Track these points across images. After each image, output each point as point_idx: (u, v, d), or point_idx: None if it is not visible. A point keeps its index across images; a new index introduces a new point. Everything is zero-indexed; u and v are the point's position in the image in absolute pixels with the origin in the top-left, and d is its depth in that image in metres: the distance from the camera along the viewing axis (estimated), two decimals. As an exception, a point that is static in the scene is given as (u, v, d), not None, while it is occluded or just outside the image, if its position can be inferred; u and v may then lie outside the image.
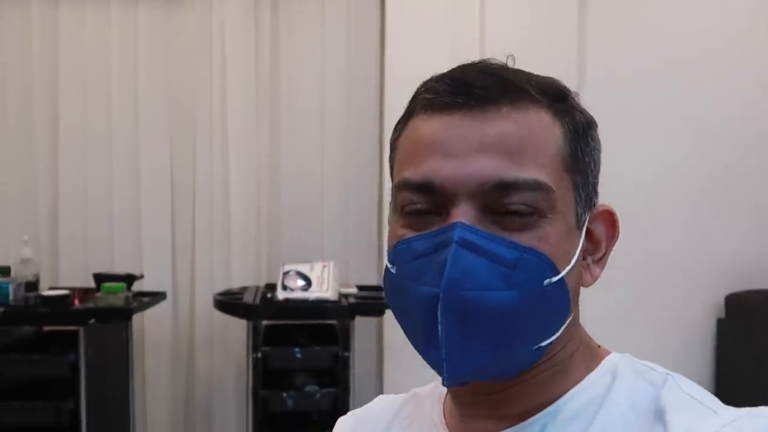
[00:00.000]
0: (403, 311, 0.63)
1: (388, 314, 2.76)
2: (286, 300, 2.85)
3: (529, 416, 0.64)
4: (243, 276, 3.31)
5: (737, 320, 3.11)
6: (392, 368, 3.11)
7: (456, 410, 0.69)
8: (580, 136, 0.64)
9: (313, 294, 2.85)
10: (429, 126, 0.62)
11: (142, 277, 3.09)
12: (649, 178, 3.14)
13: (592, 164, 0.66)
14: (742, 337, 3.06)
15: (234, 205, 3.32)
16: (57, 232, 3.33)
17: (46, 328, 2.94)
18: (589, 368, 0.66)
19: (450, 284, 0.57)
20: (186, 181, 3.37)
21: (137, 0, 3.30)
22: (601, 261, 0.68)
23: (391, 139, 0.69)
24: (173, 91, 3.35)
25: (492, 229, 0.59)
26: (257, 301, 2.90)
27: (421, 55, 2.82)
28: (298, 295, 2.85)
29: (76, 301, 2.81)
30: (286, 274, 2.91)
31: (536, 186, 0.60)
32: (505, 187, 0.59)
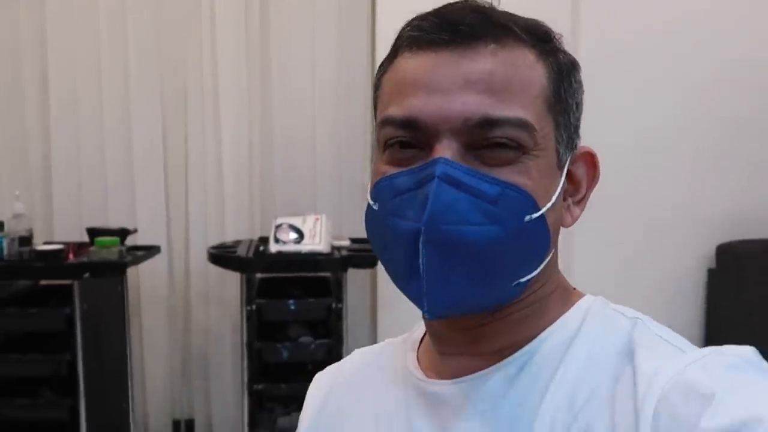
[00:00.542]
0: (386, 247, 0.64)
1: (381, 266, 2.78)
2: (279, 253, 2.86)
3: (506, 355, 0.65)
4: (237, 229, 3.32)
5: (728, 270, 3.14)
6: (386, 319, 3.15)
7: (434, 348, 0.70)
8: (564, 77, 0.65)
9: (306, 247, 2.87)
10: (414, 63, 0.62)
11: (135, 231, 3.09)
12: (642, 129, 3.13)
13: (575, 105, 0.66)
14: (733, 287, 3.10)
15: (226, 159, 3.31)
16: (50, 188, 3.32)
17: (42, 283, 2.96)
18: (564, 309, 0.67)
19: (432, 219, 0.58)
20: (178, 136, 3.35)
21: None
22: (581, 202, 0.68)
23: (375, 77, 0.68)
24: (163, 47, 3.30)
25: (474, 165, 0.60)
26: (250, 254, 2.92)
27: (414, 8, 2.78)
28: (291, 248, 2.87)
29: (71, 256, 2.82)
30: (278, 227, 2.92)
31: (520, 124, 0.60)
32: (490, 123, 0.59)
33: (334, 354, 2.81)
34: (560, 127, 0.64)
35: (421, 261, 0.58)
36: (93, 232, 2.94)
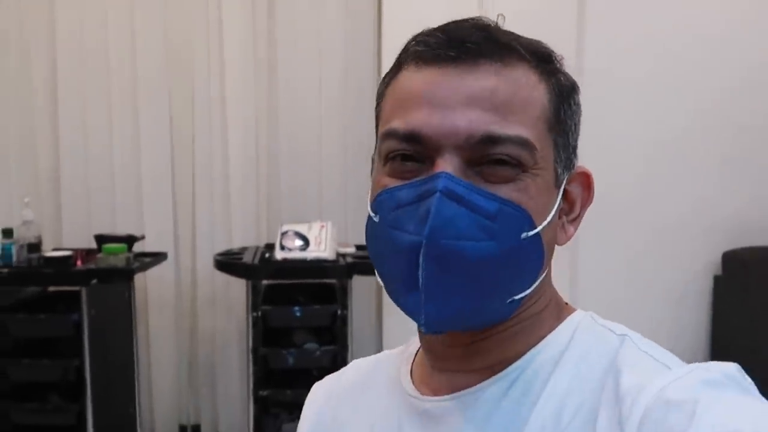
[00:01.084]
0: (384, 259, 0.64)
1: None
2: (285, 260, 2.87)
3: (497, 370, 0.66)
4: (243, 236, 3.33)
5: (734, 277, 3.13)
6: (391, 326, 3.15)
7: (428, 363, 0.71)
8: (564, 99, 0.66)
9: (311, 254, 2.88)
10: (419, 77, 0.63)
11: (143, 238, 3.12)
12: (649, 136, 3.14)
13: (573, 127, 0.67)
14: (739, 294, 3.09)
15: (233, 166, 3.33)
16: (59, 195, 3.35)
17: (51, 289, 2.98)
18: (555, 324, 0.68)
19: (433, 233, 0.58)
20: (186, 144, 3.37)
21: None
22: (575, 221, 0.69)
23: (378, 90, 0.69)
24: (171, 55, 3.33)
25: (475, 181, 0.60)
26: (256, 261, 2.93)
27: (419, 17, 2.81)
28: (296, 255, 2.88)
29: (79, 262, 2.84)
30: (284, 234, 2.94)
31: (522, 142, 0.61)
32: (492, 141, 0.60)
33: (339, 360, 2.81)
34: (559, 147, 0.65)
35: (420, 274, 0.59)
36: (101, 239, 2.97)
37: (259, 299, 2.85)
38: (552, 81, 0.65)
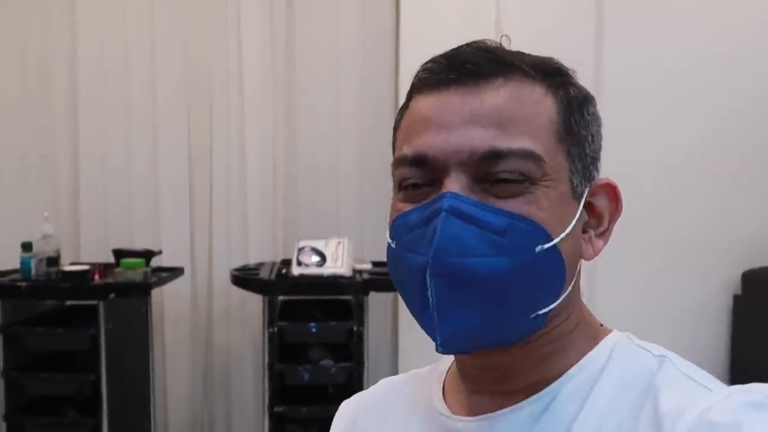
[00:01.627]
0: (401, 282, 0.65)
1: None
2: (301, 276, 2.88)
3: (531, 393, 0.65)
4: (260, 252, 3.35)
5: (754, 296, 3.10)
6: (407, 343, 3.14)
7: (462, 384, 0.71)
8: (574, 109, 0.65)
9: (328, 270, 2.88)
10: (424, 103, 0.64)
11: (160, 253, 3.13)
12: (668, 153, 3.12)
13: (590, 137, 0.66)
14: (759, 313, 3.05)
15: (250, 182, 3.35)
16: (77, 209, 3.38)
17: (68, 303, 3.00)
18: (590, 346, 0.67)
19: (438, 251, 0.59)
20: (203, 159, 3.40)
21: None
22: (604, 234, 0.68)
23: (395, 120, 0.71)
24: (190, 71, 3.36)
25: (483, 197, 0.61)
26: (273, 276, 2.94)
27: (436, 35, 2.83)
28: (313, 270, 2.88)
29: (96, 276, 2.86)
30: (301, 250, 2.94)
31: (527, 154, 0.61)
32: (496, 156, 0.60)
33: (355, 377, 2.80)
34: (574, 157, 0.64)
35: (429, 293, 0.59)
36: (119, 254, 2.99)
37: (275, 315, 2.86)
38: (560, 93, 0.64)
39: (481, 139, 0.60)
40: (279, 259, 3.30)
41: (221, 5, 3.32)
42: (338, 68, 3.36)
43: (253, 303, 3.18)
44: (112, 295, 2.76)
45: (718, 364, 3.16)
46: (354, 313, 2.88)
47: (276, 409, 2.85)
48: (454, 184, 0.61)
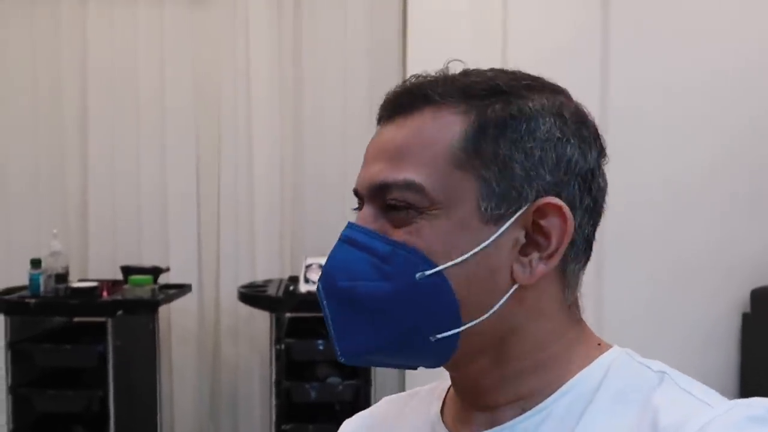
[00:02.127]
0: None
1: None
2: (309, 293, 2.88)
3: (526, 408, 0.65)
4: (267, 269, 3.35)
5: (763, 315, 3.08)
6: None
7: (459, 402, 0.71)
8: (489, 130, 0.63)
9: (335, 287, 2.87)
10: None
11: (168, 270, 3.14)
12: (676, 172, 3.11)
13: (521, 156, 0.63)
14: (768, 331, 3.04)
15: (258, 199, 3.37)
16: (86, 226, 3.40)
17: (77, 319, 3.01)
18: (585, 363, 0.66)
19: (325, 275, 0.65)
20: (211, 177, 3.42)
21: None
22: (553, 256, 0.64)
23: None
24: (199, 90, 3.39)
25: (384, 227, 0.65)
26: (280, 293, 2.94)
27: (441, 46, 2.84)
28: (321, 287, 2.88)
29: (105, 293, 2.87)
30: (308, 267, 2.95)
31: (406, 185, 0.63)
32: (383, 188, 0.65)
33: (362, 395, 2.80)
34: (488, 181, 0.63)
35: (324, 312, 0.66)
36: (127, 270, 3.00)
37: (282, 332, 2.86)
38: (473, 115, 0.64)
39: (377, 173, 0.65)
40: (286, 276, 3.31)
41: (230, 17, 3.35)
42: (346, 83, 3.38)
43: (261, 320, 3.18)
44: (120, 312, 2.77)
45: (728, 382, 3.14)
46: (361, 330, 2.87)
47: (283, 426, 2.84)
48: (366, 213, 0.66)
